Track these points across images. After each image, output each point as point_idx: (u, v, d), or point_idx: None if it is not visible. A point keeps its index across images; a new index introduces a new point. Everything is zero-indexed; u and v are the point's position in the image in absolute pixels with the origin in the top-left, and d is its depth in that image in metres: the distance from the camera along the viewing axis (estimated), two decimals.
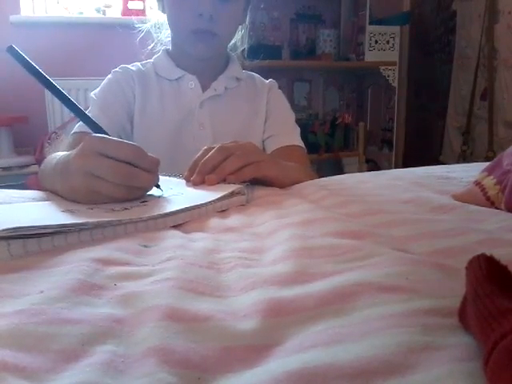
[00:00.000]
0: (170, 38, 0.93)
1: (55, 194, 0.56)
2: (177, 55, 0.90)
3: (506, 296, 0.21)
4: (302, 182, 0.70)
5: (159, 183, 0.54)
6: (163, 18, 0.91)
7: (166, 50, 0.92)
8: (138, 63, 0.91)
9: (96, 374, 0.21)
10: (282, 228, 0.43)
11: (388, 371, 0.20)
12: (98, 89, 0.88)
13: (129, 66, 0.90)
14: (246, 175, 0.60)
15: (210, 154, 0.60)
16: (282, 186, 0.66)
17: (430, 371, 0.20)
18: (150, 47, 0.97)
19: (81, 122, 0.83)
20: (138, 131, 0.86)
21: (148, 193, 0.53)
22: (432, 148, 2.51)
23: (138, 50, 0.97)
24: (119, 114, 0.85)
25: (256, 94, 0.94)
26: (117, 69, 0.89)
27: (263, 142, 0.92)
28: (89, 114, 0.58)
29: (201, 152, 0.63)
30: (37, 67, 0.51)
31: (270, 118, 0.93)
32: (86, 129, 0.79)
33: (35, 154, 1.88)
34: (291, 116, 0.96)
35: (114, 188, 0.48)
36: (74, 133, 0.82)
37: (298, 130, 0.94)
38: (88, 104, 0.89)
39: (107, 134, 0.53)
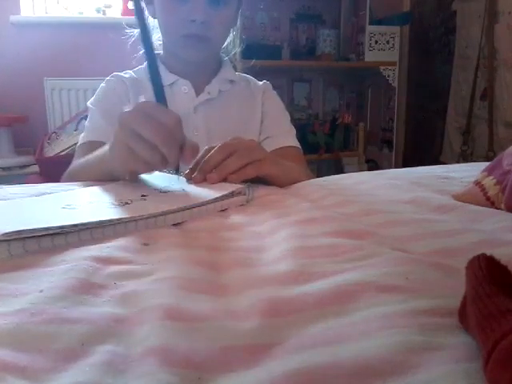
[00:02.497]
0: (161, 42, 0.92)
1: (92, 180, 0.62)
2: (168, 60, 0.89)
3: (506, 296, 0.21)
4: (301, 181, 0.70)
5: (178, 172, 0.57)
6: (154, 22, 0.91)
7: (157, 55, 0.92)
8: (130, 71, 0.91)
9: (96, 373, 0.21)
10: (282, 227, 0.43)
11: (388, 371, 0.20)
12: (92, 98, 0.87)
13: (121, 74, 0.89)
14: (247, 174, 0.60)
15: (211, 152, 0.60)
16: (283, 185, 0.66)
17: (430, 371, 0.20)
18: (141, 52, 0.96)
19: (84, 133, 0.83)
20: None
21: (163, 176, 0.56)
22: (432, 148, 2.51)
23: (137, 50, 0.96)
24: None
25: (250, 95, 0.93)
26: (109, 77, 0.89)
27: (259, 143, 0.92)
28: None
29: (202, 151, 0.63)
30: None
31: (265, 119, 0.92)
32: (92, 138, 0.79)
33: (35, 154, 1.88)
34: (286, 117, 0.96)
35: (149, 150, 0.50)
36: (81, 144, 0.82)
37: (294, 130, 0.94)
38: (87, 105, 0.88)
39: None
